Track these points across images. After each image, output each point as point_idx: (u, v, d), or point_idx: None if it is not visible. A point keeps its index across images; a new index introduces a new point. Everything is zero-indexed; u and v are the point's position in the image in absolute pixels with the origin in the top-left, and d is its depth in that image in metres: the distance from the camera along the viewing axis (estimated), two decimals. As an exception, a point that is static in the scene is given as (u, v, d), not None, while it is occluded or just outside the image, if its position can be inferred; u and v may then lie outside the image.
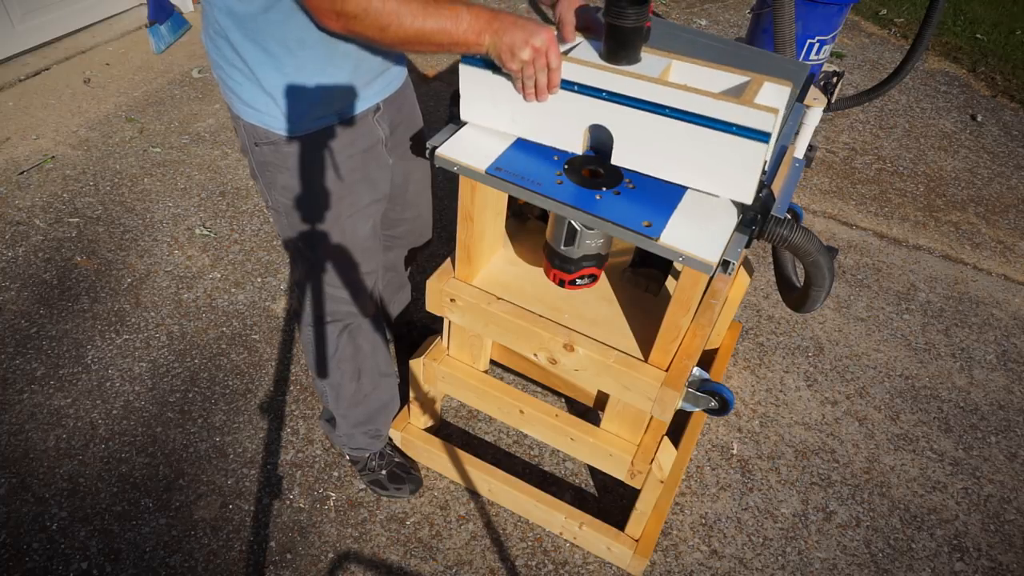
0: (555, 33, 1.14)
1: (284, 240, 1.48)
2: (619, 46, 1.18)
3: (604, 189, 1.21)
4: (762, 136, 1.07)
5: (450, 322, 1.65)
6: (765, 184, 1.20)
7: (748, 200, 1.16)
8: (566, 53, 1.22)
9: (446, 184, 2.84)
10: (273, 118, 1.27)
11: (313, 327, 1.58)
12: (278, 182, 1.35)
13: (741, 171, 1.12)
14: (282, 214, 1.41)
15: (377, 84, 1.36)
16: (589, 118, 1.17)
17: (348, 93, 1.30)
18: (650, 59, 1.21)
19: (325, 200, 1.37)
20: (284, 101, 1.25)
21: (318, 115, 1.29)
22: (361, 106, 1.34)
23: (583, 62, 1.13)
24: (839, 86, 1.88)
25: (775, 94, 1.17)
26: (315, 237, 1.41)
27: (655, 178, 1.22)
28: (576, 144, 1.23)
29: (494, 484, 1.82)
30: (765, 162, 1.13)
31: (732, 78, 1.17)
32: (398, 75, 1.44)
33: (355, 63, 1.27)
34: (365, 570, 1.74)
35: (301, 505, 1.85)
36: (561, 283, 1.47)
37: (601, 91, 1.13)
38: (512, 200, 1.62)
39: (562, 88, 1.16)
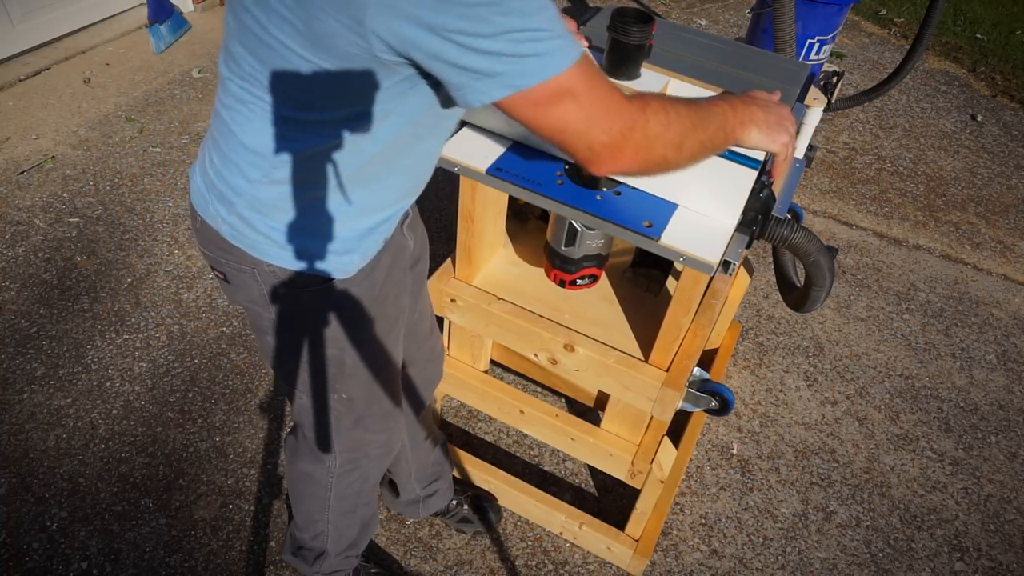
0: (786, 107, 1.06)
1: (322, 395, 1.21)
2: (621, 61, 1.20)
3: (604, 189, 1.22)
4: (752, 163, 1.12)
5: (450, 322, 1.65)
6: (766, 185, 1.21)
7: (732, 221, 1.19)
8: None
9: (446, 184, 2.84)
10: (339, 258, 1.02)
11: (339, 475, 1.36)
12: (327, 335, 1.10)
13: (730, 193, 1.17)
14: (331, 364, 1.15)
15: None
16: None
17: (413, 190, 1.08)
18: (649, 75, 1.23)
19: (379, 336, 1.16)
20: (360, 231, 1.02)
21: (379, 234, 1.07)
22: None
23: None
24: (839, 86, 1.89)
25: None
26: (367, 382, 1.21)
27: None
28: None
29: (494, 484, 1.83)
30: (753, 188, 1.17)
31: None
32: None
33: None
34: (365, 570, 1.74)
35: (301, 505, 1.85)
36: (561, 283, 1.47)
37: None
38: (512, 200, 1.62)
39: None
